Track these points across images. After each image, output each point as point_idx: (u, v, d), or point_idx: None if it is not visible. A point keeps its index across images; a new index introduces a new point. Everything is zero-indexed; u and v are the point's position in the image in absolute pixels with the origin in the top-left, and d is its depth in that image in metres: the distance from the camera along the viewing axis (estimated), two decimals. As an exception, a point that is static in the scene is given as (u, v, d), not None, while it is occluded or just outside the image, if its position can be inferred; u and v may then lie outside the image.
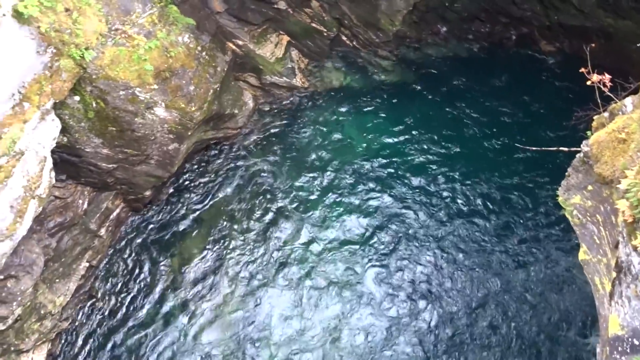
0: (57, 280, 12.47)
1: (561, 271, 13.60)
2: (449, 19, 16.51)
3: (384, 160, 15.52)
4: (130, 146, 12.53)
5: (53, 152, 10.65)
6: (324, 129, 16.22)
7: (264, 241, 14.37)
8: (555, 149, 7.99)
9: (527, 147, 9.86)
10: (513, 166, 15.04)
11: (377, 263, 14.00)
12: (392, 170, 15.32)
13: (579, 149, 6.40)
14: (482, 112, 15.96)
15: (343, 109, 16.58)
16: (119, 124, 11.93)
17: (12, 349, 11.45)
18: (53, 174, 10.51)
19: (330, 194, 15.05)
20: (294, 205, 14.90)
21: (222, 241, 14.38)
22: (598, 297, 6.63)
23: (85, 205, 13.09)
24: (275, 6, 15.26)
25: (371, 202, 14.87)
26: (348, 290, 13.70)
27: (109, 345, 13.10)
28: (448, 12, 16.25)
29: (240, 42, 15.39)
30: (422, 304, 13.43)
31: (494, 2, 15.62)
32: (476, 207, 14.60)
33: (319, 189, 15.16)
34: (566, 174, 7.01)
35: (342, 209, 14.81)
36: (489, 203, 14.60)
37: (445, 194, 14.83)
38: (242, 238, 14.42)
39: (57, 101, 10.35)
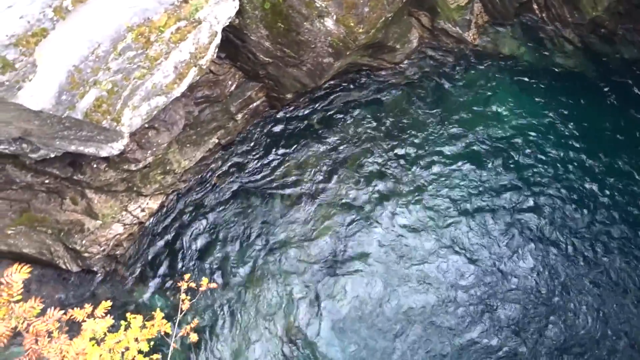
0: (188, 145, 13.46)
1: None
2: (661, 20, 14.65)
3: (526, 149, 14.62)
4: (290, 47, 12.78)
5: (223, 30, 11.11)
6: (476, 93, 15.45)
7: (378, 178, 14.35)
8: None
9: None
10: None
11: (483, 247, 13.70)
12: (530, 163, 14.47)
13: None
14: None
15: (504, 80, 15.62)
16: (288, 22, 12.15)
17: (135, 189, 12.74)
18: (217, 50, 11.04)
19: (459, 160, 14.56)
20: (418, 155, 14.63)
21: (338, 161, 14.47)
22: None
23: (233, 88, 13.76)
24: (477, -49, 14.33)
25: (498, 183, 14.31)
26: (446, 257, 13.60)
27: (207, 221, 13.87)
28: (662, 13, 14.40)
29: (427, -22, 14.77)
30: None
31: None
32: (607, 232, 13.59)
33: (448, 149, 14.70)
34: None
35: (465, 180, 14.37)
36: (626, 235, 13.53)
37: (579, 205, 13.87)
38: (356, 167, 14.43)
39: (243, -17, 10.68)
